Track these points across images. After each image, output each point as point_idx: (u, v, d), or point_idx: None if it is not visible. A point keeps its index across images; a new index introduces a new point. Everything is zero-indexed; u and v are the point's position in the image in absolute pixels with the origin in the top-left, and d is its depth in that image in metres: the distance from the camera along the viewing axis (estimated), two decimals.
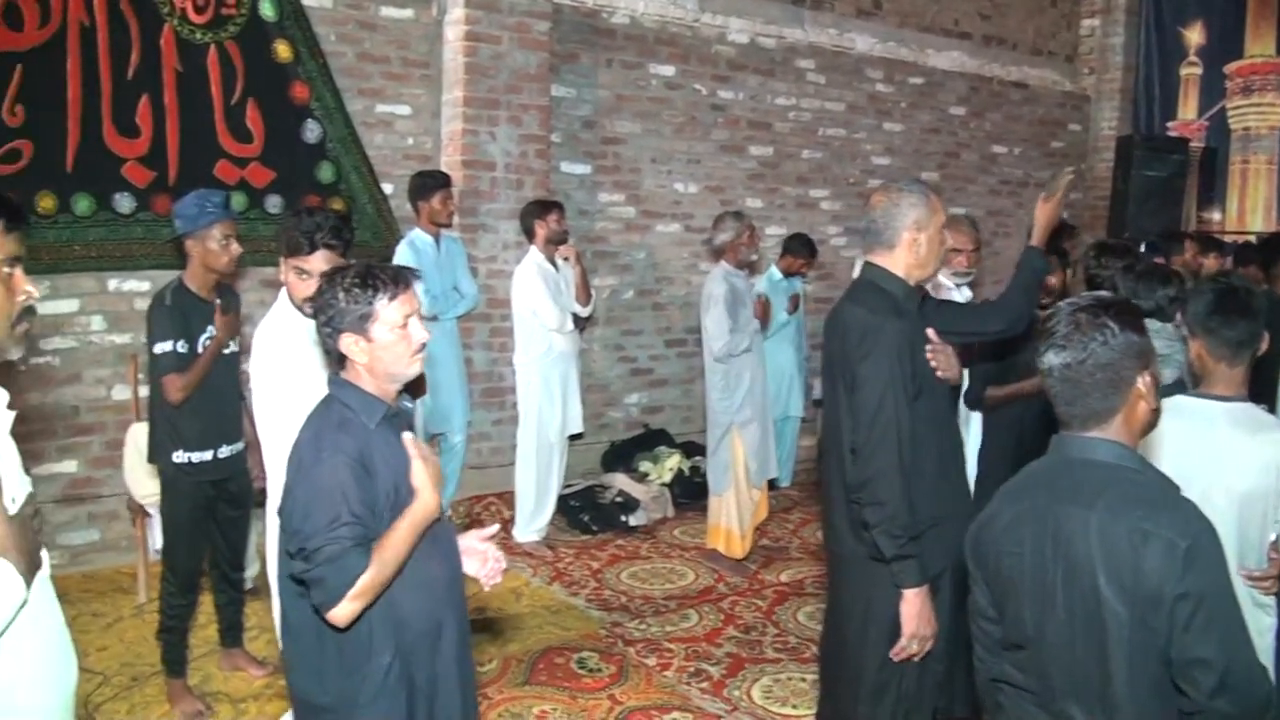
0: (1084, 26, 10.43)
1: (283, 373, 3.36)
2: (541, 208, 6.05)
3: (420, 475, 2.38)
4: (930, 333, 3.15)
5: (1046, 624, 2.04)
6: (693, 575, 5.86)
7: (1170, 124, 10.29)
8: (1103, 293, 2.09)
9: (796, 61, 8.07)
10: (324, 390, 2.49)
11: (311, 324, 3.28)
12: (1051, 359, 2.06)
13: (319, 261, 3.32)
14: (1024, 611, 2.07)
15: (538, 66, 6.55)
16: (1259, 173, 9.76)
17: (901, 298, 3.09)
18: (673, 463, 7.09)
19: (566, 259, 6.14)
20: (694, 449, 7.13)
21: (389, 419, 2.43)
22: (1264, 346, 2.83)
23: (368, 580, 2.23)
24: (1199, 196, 9.98)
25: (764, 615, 5.33)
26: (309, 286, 3.16)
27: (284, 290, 3.49)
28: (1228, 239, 8.63)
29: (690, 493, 6.90)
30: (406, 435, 2.45)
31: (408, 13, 6.35)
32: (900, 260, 3.10)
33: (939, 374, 3.12)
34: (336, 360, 2.45)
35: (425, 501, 2.36)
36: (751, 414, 5.80)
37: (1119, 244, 5.25)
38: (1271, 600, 2.76)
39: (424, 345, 2.45)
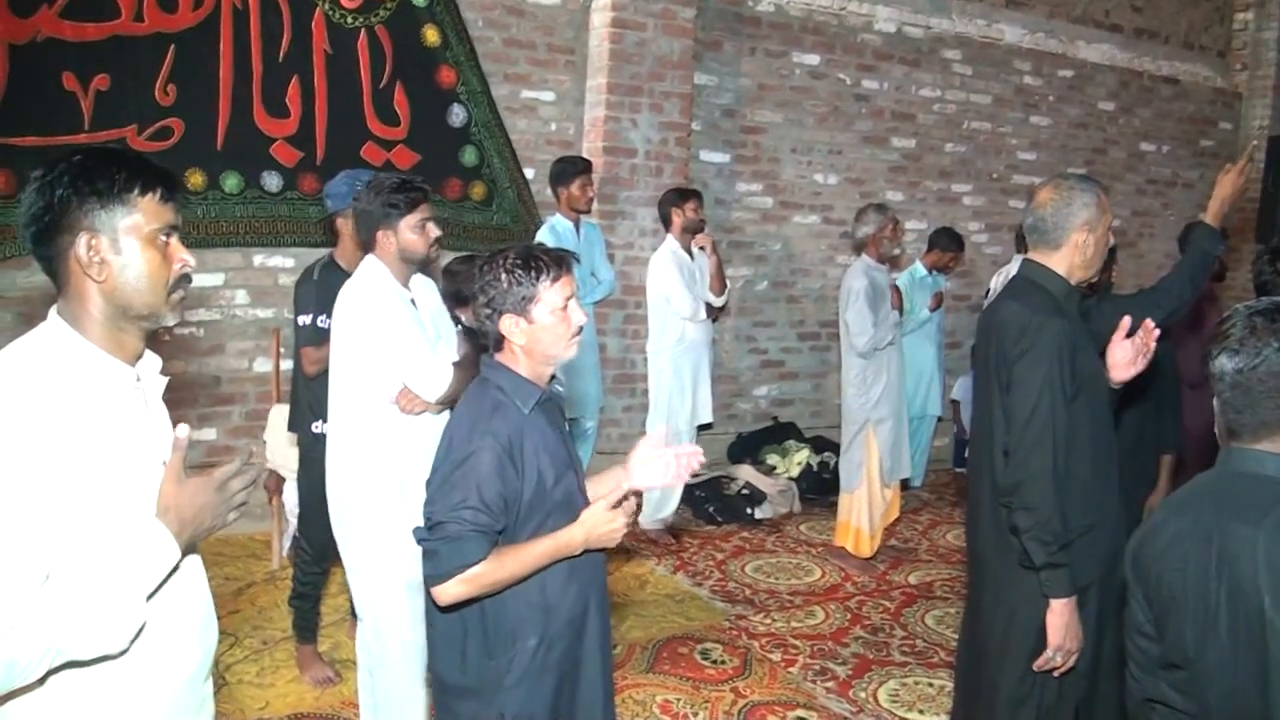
0: (1237, 20, 9.89)
1: (374, 334, 3.39)
2: (679, 196, 6.02)
3: (593, 514, 2.38)
4: (1125, 321, 3.03)
5: (1208, 645, 1.93)
6: (819, 572, 5.76)
7: None
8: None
9: (943, 52, 7.85)
10: (416, 351, 2.48)
11: (400, 288, 3.43)
12: (1224, 363, 1.96)
13: (427, 209, 3.44)
14: (1184, 631, 1.97)
15: (681, 54, 6.47)
16: None
17: (1062, 297, 2.97)
18: (801, 457, 6.99)
19: (702, 248, 6.09)
20: (823, 444, 7.02)
21: (542, 404, 2.43)
22: None
23: (480, 572, 2.25)
24: None
25: (891, 617, 5.21)
26: (433, 231, 3.44)
27: (369, 259, 3.49)
28: None
29: (817, 488, 6.80)
30: (618, 489, 2.43)
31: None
32: (1065, 260, 2.98)
33: (1116, 371, 3.02)
34: (494, 342, 2.44)
35: (574, 539, 2.35)
36: (888, 411, 5.68)
37: None
38: None
39: (582, 328, 2.45)
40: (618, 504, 2.39)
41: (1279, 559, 1.81)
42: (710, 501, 6.49)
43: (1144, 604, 2.08)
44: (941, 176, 7.97)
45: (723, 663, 4.55)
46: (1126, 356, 3.00)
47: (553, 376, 2.51)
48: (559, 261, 2.41)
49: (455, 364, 3.48)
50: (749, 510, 6.49)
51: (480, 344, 2.61)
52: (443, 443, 2.41)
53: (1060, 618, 2.84)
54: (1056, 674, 2.92)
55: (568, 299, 2.40)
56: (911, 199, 7.80)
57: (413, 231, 3.41)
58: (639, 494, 2.53)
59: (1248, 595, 1.85)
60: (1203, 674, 1.94)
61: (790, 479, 6.85)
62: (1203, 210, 9.27)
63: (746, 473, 6.78)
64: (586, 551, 2.40)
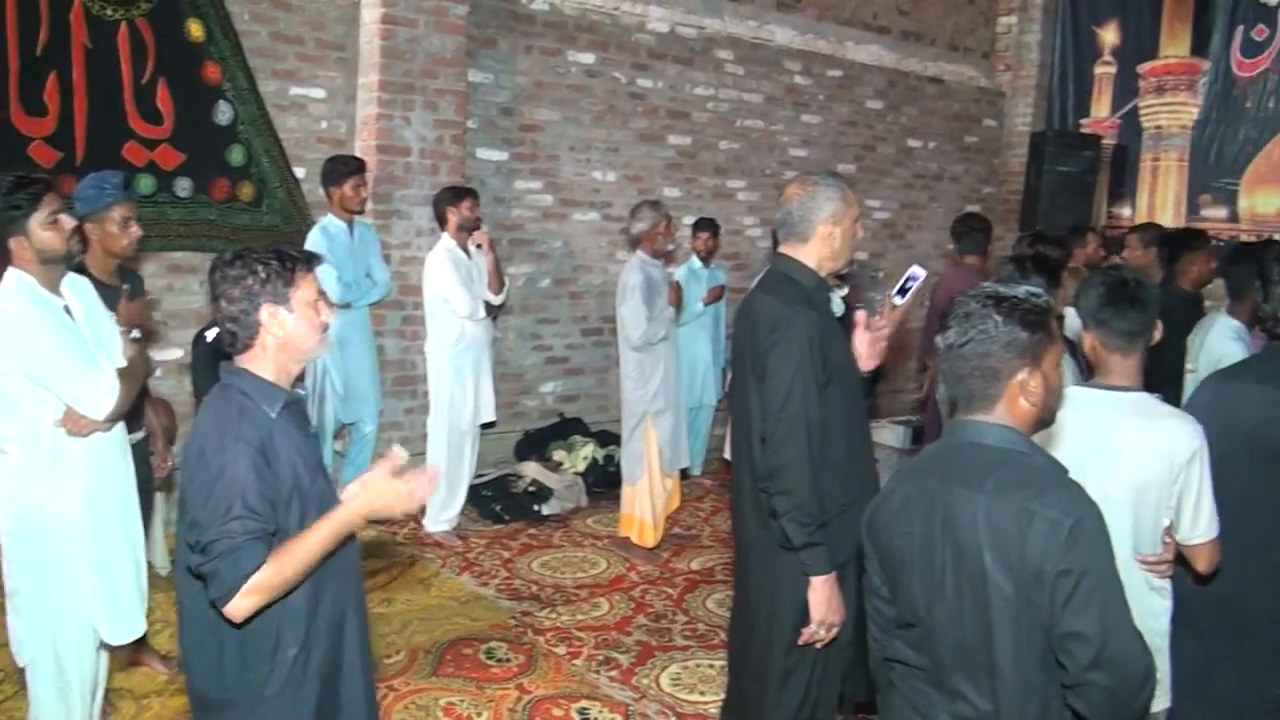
0: (1001, 24, 10.76)
1: (22, 356, 3.23)
2: (455, 194, 6.11)
3: (375, 479, 2.36)
4: (860, 315, 3.30)
5: (936, 602, 2.13)
6: (604, 564, 5.99)
7: (1083, 121, 10.64)
8: (1014, 286, 2.19)
9: (716, 52, 8.23)
10: (73, 366, 2.53)
11: (49, 297, 3.28)
12: (941, 340, 2.17)
13: (53, 200, 3.36)
14: (915, 590, 2.16)
15: (454, 51, 6.61)
16: (1169, 170, 10.13)
17: (812, 289, 3.19)
18: (587, 451, 7.20)
19: (479, 246, 6.19)
20: (609, 438, 7.24)
21: (289, 407, 2.44)
22: (1157, 336, 2.95)
23: (264, 578, 2.22)
24: (1110, 192, 10.40)
25: (674, 603, 5.48)
26: (67, 222, 3.32)
27: (10, 272, 3.31)
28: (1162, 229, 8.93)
29: (604, 481, 7.03)
30: (396, 453, 2.45)
31: None
32: (814, 252, 3.19)
33: (862, 362, 3.26)
34: (241, 342, 2.42)
35: (348, 518, 2.34)
36: (665, 403, 5.95)
37: (1054, 235, 5.40)
38: (1166, 584, 2.89)
39: (327, 326, 2.50)
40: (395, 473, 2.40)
41: (998, 518, 2.02)
42: (497, 500, 6.63)
43: (878, 568, 2.27)
44: (717, 173, 8.35)
45: (507, 660, 4.69)
46: (866, 349, 3.26)
47: (300, 378, 2.54)
48: (309, 256, 2.48)
49: (121, 372, 3.37)
50: (536, 507, 6.66)
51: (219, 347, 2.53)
52: (190, 457, 2.36)
53: (821, 593, 3.06)
54: (820, 646, 3.15)
55: (319, 293, 2.46)
56: (688, 195, 8.13)
57: (44, 229, 3.24)
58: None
59: (970, 554, 2.06)
60: (933, 630, 2.14)
61: (577, 474, 7.06)
62: (968, 202, 9.92)
63: (533, 470, 6.95)
64: (340, 551, 2.40)
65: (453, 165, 6.67)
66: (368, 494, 2.35)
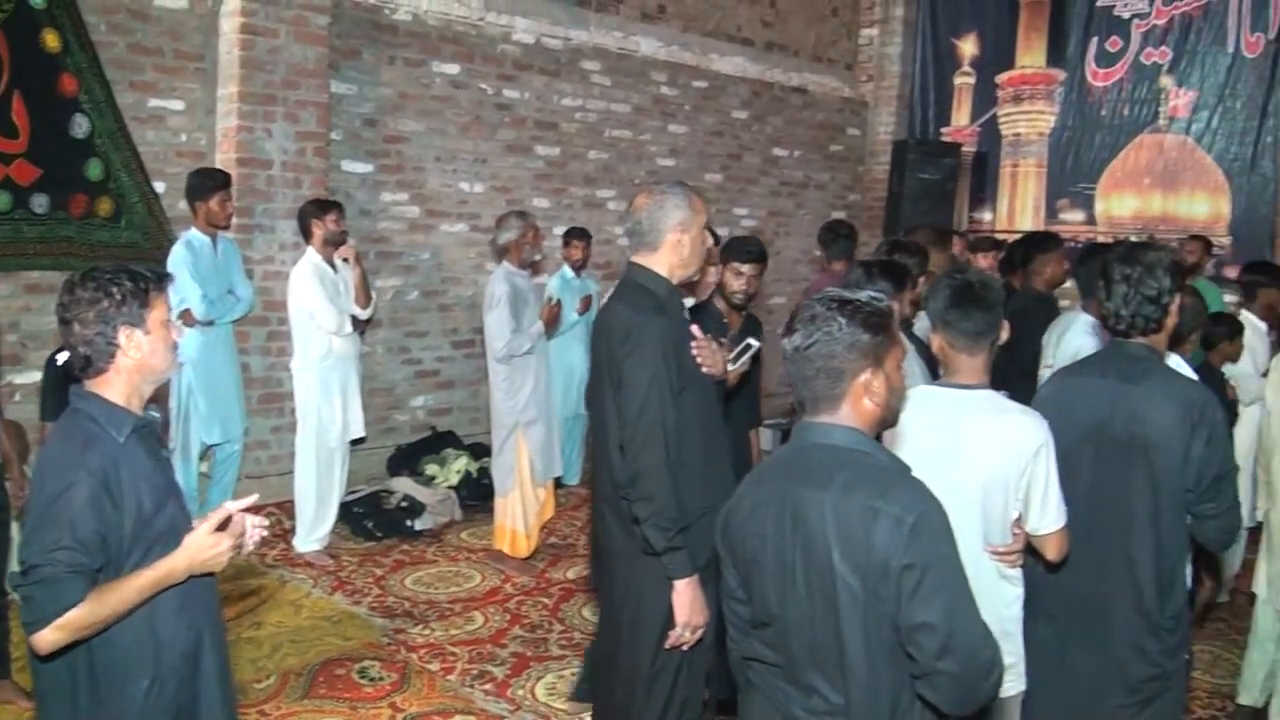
0: (863, 36, 11.26)
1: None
2: (319, 207, 6.13)
3: (196, 538, 2.39)
4: (695, 329, 3.41)
5: (788, 601, 2.20)
6: (479, 577, 6.06)
7: (944, 129, 11.20)
8: (857, 291, 2.30)
9: (582, 63, 8.41)
10: None
11: None
12: (786, 342, 2.26)
13: None
14: (768, 590, 2.23)
15: (316, 62, 6.64)
16: (1028, 175, 10.68)
17: (665, 296, 3.28)
18: (460, 465, 7.25)
19: (345, 260, 6.21)
20: (482, 450, 7.30)
21: (139, 431, 2.44)
22: (1004, 336, 3.09)
23: (77, 615, 2.22)
24: (971, 198, 10.97)
25: (550, 613, 5.59)
26: None
27: None
28: (998, 238, 9.37)
29: (478, 494, 7.10)
30: (236, 512, 2.49)
31: (182, 3, 6.36)
32: (664, 260, 3.29)
33: (704, 369, 3.35)
34: (93, 366, 2.41)
35: (176, 566, 2.36)
36: (536, 414, 6.05)
37: (910, 242, 5.63)
38: (1017, 573, 3.02)
39: (178, 345, 2.53)
40: (221, 526, 2.43)
41: (844, 517, 2.11)
42: (369, 517, 6.65)
43: (733, 570, 2.34)
44: (586, 183, 8.52)
45: (380, 679, 4.72)
46: (702, 361, 3.37)
47: (153, 399, 2.57)
48: (159, 275, 2.49)
49: None
50: (409, 523, 6.71)
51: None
52: (35, 480, 2.38)
53: (684, 596, 3.16)
54: (686, 649, 3.25)
55: (170, 312, 2.49)
56: (558, 205, 8.27)
57: None
58: (255, 510, 2.61)
59: (818, 552, 2.13)
60: (787, 628, 2.21)
61: (450, 488, 7.12)
62: (833, 209, 10.23)
63: (405, 485, 6.98)
64: (194, 578, 2.42)
65: (316, 178, 6.68)
66: (188, 551, 2.38)
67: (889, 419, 2.31)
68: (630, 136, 8.84)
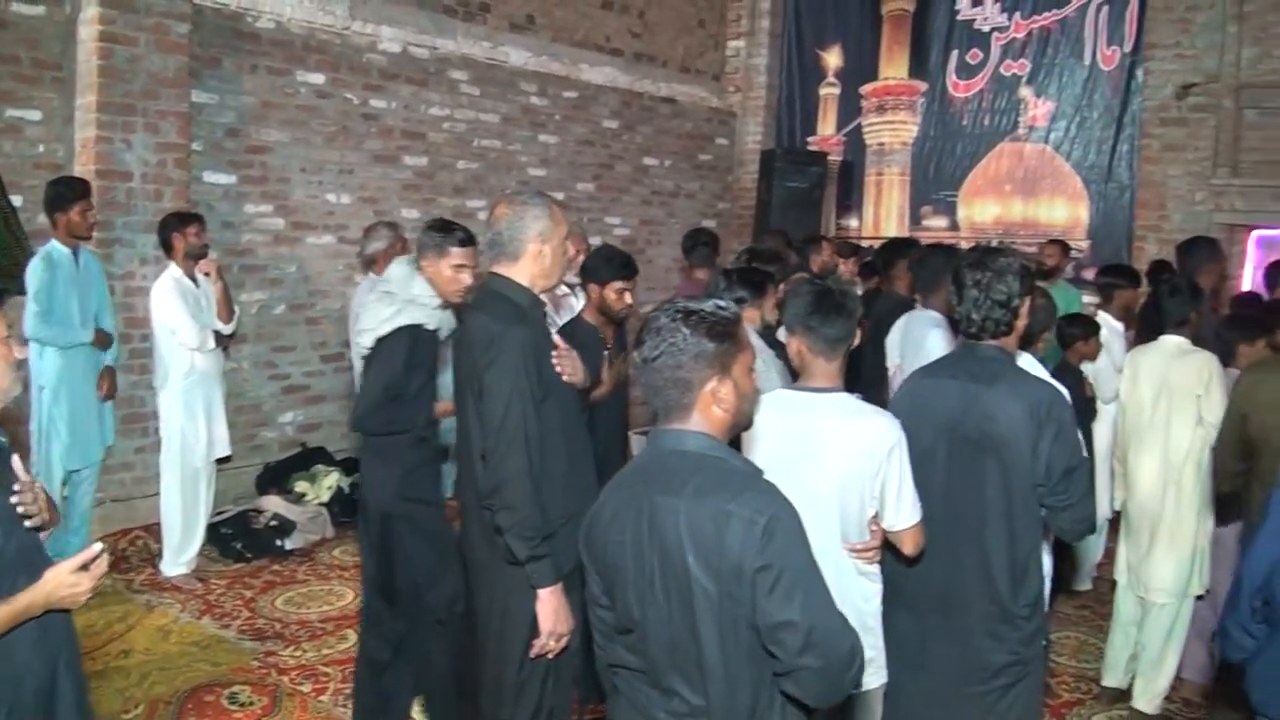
0: (730, 47, 11.60)
1: None
2: (180, 220, 6.08)
3: (56, 574, 2.39)
4: (556, 338, 3.51)
5: (648, 606, 2.27)
6: (351, 594, 6.06)
7: (811, 139, 11.58)
8: (702, 300, 2.37)
9: (450, 72, 8.49)
10: None
11: None
12: (636, 354, 2.35)
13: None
14: (629, 596, 2.30)
15: (176, 71, 6.59)
16: (892, 183, 11.12)
17: (527, 306, 3.37)
18: (331, 481, 7.24)
19: (207, 274, 6.19)
20: (354, 465, 7.26)
21: None
22: (857, 340, 3.22)
23: None
24: (837, 205, 11.40)
25: None
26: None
27: None
28: (864, 244, 9.74)
29: (350, 510, 7.04)
30: (90, 549, 2.46)
31: (39, 9, 6.29)
32: (526, 270, 3.38)
33: (565, 378, 3.43)
34: None
35: (34, 601, 2.36)
36: None
37: (767, 249, 5.83)
38: (875, 569, 3.20)
39: (21, 364, 2.52)
40: (85, 564, 2.41)
41: (697, 521, 2.18)
42: (237, 538, 6.62)
43: (596, 577, 2.41)
44: (456, 193, 8.59)
45: (251, 704, 4.72)
46: (563, 372, 3.45)
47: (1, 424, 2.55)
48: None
49: None
50: (279, 542, 6.70)
51: None
52: None
53: (549, 605, 3.24)
54: (552, 657, 3.33)
55: (8, 329, 2.47)
56: (427, 215, 8.23)
57: None
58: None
59: (674, 557, 2.21)
60: (648, 633, 2.29)
61: (321, 505, 7.12)
62: (704, 218, 10.43)
63: (275, 503, 6.97)
64: (51, 612, 2.42)
65: (177, 190, 6.62)
66: (47, 587, 2.37)
67: (740, 424, 2.41)
68: (500, 146, 8.95)
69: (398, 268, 4.18)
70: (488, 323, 3.30)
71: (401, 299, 4.01)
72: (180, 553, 6.14)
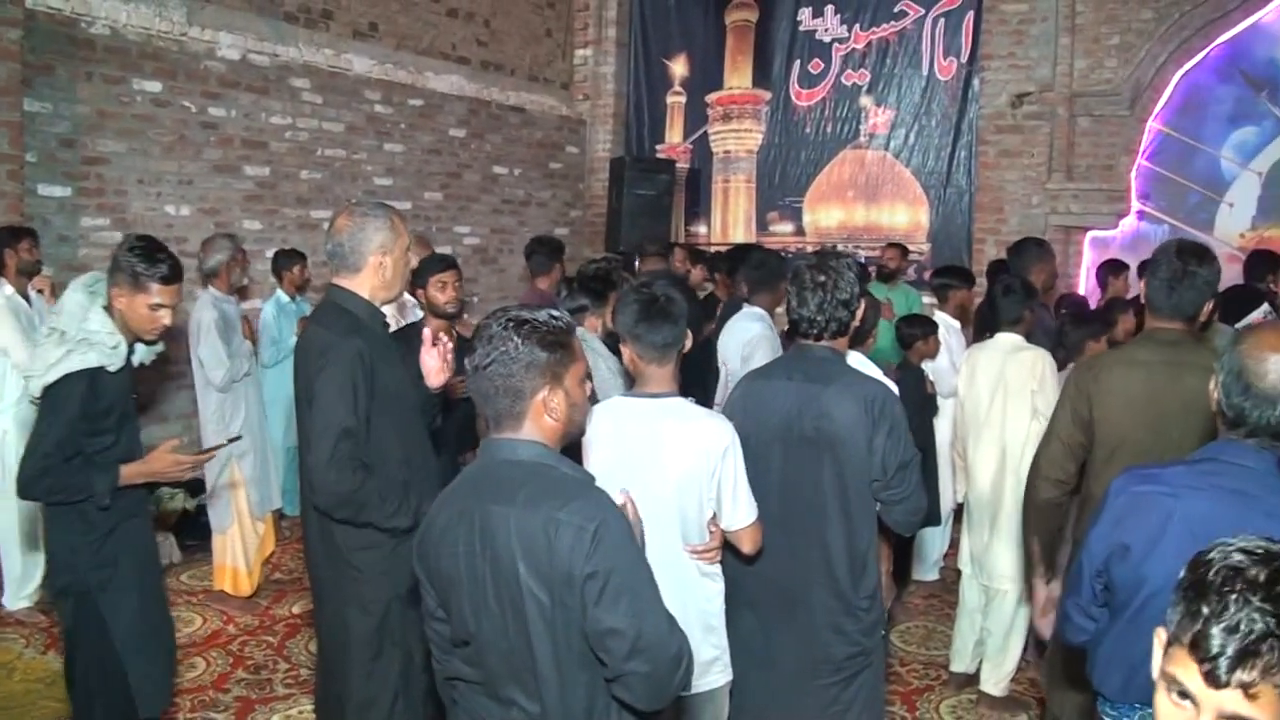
0: (578, 56, 11.85)
1: None
2: (11, 235, 5.95)
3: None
4: (426, 332, 3.54)
5: (482, 617, 2.30)
6: (200, 620, 6.04)
7: (659, 147, 11.87)
8: (536, 309, 2.43)
9: (291, 80, 8.48)
10: None
11: None
12: (468, 361, 2.37)
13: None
14: (464, 608, 2.33)
15: (7, 78, 6.45)
16: (738, 190, 11.48)
17: (365, 318, 3.40)
18: (176, 503, 7.10)
19: (40, 291, 6.07)
20: (200, 487, 7.17)
21: None
22: (688, 345, 3.31)
23: None
24: (686, 212, 11.73)
25: (275, 651, 5.65)
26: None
27: None
28: (712, 250, 10.05)
29: (197, 533, 6.99)
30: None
31: None
32: (366, 283, 3.42)
33: (432, 377, 3.50)
34: None
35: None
36: (249, 445, 6.11)
37: (603, 258, 6.00)
38: (717, 569, 3.31)
39: None
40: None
41: (528, 530, 2.23)
42: None
43: (431, 590, 2.43)
44: (299, 204, 8.57)
45: None
46: (435, 365, 3.50)
47: None
48: None
49: None
50: None
51: None
52: None
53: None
54: (399, 670, 3.42)
55: None
56: (270, 226, 8.29)
57: None
58: None
59: (506, 566, 2.25)
60: (483, 643, 2.32)
61: (167, 529, 6.95)
62: (556, 226, 10.57)
63: None
64: None
65: (9, 203, 6.47)
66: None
67: (572, 433, 2.48)
68: (344, 156, 8.95)
69: (72, 296, 3.54)
70: (322, 334, 3.34)
71: (73, 338, 3.43)
72: (22, 585, 6.00)
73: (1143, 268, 4.20)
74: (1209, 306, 3.62)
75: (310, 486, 3.29)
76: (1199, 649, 1.44)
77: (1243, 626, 1.40)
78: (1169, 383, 3.51)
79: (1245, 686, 1.39)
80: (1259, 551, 1.48)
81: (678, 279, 7.92)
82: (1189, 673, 1.46)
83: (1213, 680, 1.42)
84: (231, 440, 4.04)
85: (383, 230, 3.40)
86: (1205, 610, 1.44)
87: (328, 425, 3.20)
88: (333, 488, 3.21)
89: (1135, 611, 2.54)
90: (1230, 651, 1.40)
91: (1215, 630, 1.42)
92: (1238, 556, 1.47)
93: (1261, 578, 1.43)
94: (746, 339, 5.37)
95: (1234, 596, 1.43)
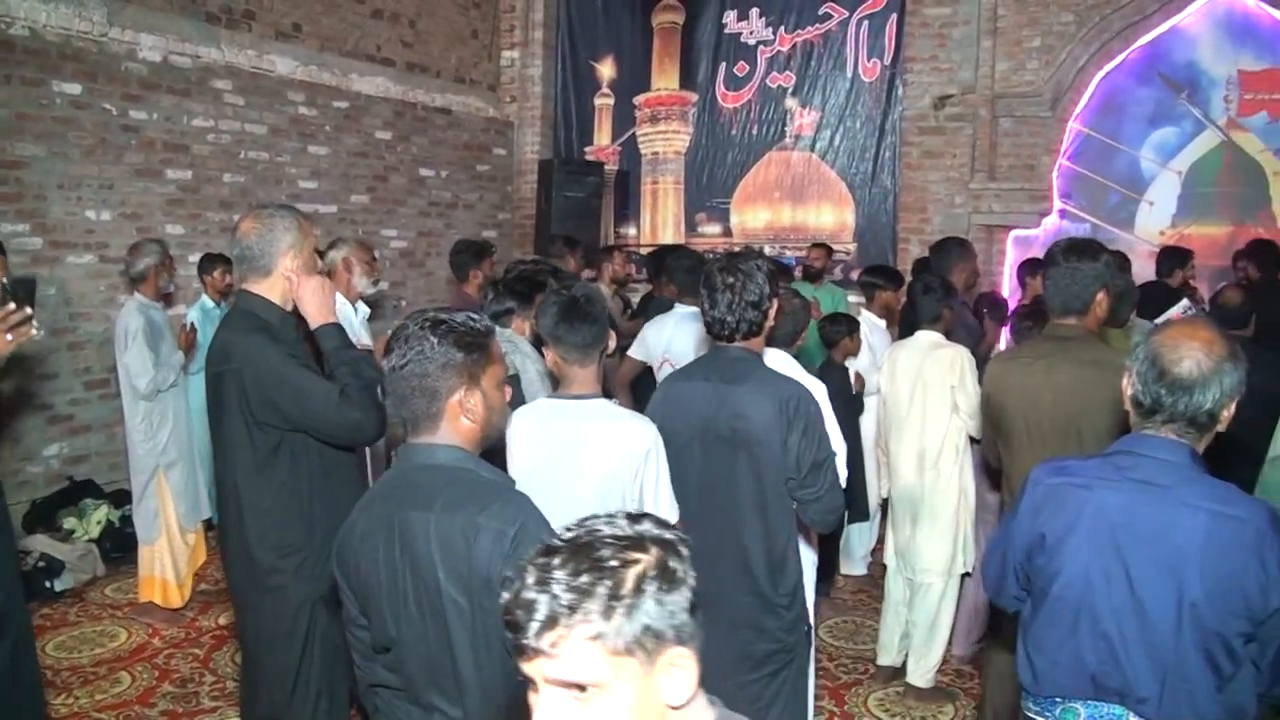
0: (504, 58, 11.78)
1: None
2: None
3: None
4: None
5: (403, 623, 2.31)
6: (125, 634, 5.95)
7: (588, 149, 11.84)
8: (454, 311, 2.45)
9: (213, 82, 8.33)
10: None
11: None
12: (384, 362, 2.39)
13: None
14: (385, 614, 2.33)
15: None
16: (667, 192, 11.49)
17: (276, 323, 3.36)
18: (100, 515, 7.03)
19: None
20: (124, 498, 7.11)
21: None
22: (611, 346, 3.39)
23: None
24: (616, 214, 11.74)
25: (201, 664, 5.58)
26: None
27: None
28: (642, 251, 10.06)
29: (123, 545, 6.92)
30: None
31: None
32: (277, 286, 3.38)
33: None
34: None
35: None
36: (177, 454, 6.05)
37: (531, 261, 5.96)
38: None
39: None
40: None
41: (447, 534, 2.23)
42: None
43: (352, 597, 2.42)
44: (222, 207, 8.40)
45: None
46: None
47: None
48: None
49: None
50: (47, 584, 6.48)
51: None
52: None
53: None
54: (323, 680, 3.40)
55: None
56: (194, 231, 8.14)
57: None
58: None
59: (426, 572, 2.26)
60: (404, 649, 2.32)
61: (91, 541, 6.92)
62: (484, 229, 10.52)
63: (41, 543, 6.73)
64: None
65: None
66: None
67: (490, 436, 2.46)
68: (268, 159, 8.81)
69: None
70: (228, 337, 3.32)
71: None
72: None
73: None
74: (1100, 296, 3.73)
75: (363, 436, 3.31)
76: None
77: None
78: (1069, 379, 3.64)
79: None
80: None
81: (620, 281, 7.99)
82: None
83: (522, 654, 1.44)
84: None
85: (291, 230, 3.37)
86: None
87: (317, 405, 3.20)
88: (376, 422, 3.26)
89: (1052, 602, 2.58)
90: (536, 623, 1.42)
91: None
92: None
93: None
94: (703, 336, 5.38)
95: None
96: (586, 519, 1.59)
